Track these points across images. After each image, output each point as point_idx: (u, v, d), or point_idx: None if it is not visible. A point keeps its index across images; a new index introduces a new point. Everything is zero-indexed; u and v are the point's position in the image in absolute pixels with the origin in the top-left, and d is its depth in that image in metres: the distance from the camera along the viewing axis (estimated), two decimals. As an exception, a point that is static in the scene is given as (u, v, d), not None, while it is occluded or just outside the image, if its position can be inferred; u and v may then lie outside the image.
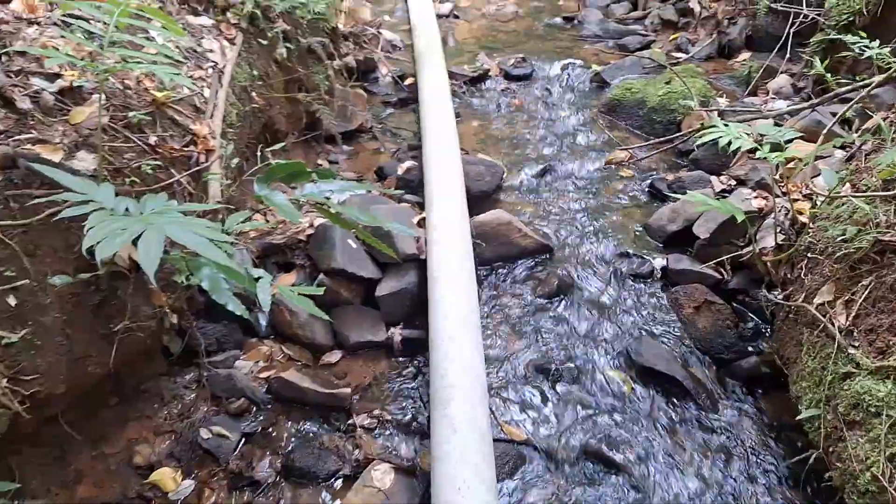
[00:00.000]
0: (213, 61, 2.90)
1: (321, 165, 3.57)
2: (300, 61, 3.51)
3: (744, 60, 4.46)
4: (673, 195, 3.37)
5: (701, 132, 2.58)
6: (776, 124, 3.47)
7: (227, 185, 2.45)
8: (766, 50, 4.44)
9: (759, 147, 2.50)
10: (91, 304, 2.06)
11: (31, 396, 1.97)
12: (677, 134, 3.64)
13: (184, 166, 2.45)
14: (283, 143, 2.71)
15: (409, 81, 4.41)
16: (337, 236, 2.80)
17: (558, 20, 5.31)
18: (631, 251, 3.12)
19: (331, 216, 2.12)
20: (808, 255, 2.49)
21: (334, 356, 2.62)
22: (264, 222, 2.35)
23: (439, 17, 5.34)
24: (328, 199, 2.23)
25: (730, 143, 2.54)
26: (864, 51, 2.55)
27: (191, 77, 2.76)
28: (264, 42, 3.23)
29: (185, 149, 2.48)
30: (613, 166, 3.72)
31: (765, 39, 4.46)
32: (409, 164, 3.51)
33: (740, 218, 2.47)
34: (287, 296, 1.86)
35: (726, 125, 2.81)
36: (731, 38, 4.56)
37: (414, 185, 3.37)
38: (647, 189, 3.52)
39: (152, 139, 2.38)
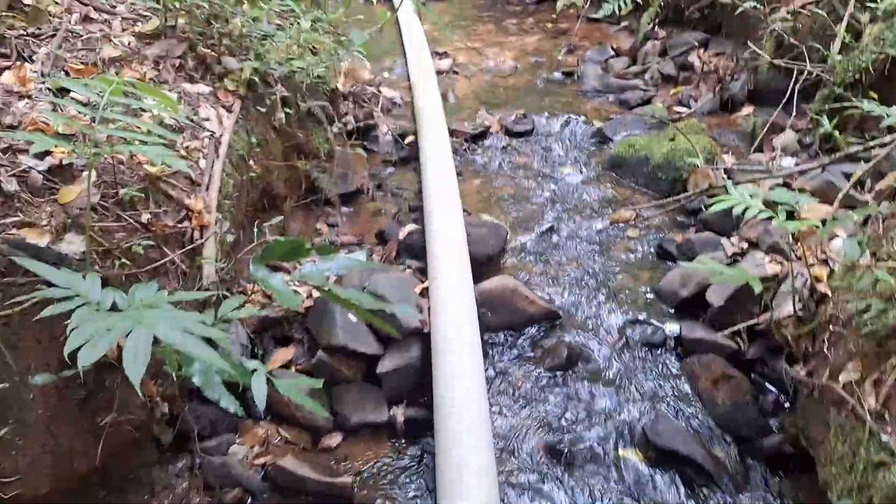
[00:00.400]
0: (209, 130, 2.83)
1: (321, 230, 3.48)
2: (300, 125, 3.45)
3: (747, 115, 4.42)
4: (682, 257, 3.28)
5: (713, 199, 2.50)
6: (785, 184, 3.41)
7: (222, 263, 2.35)
8: (769, 104, 4.39)
9: (774, 215, 2.42)
10: (77, 398, 1.95)
11: (13, 499, 1.84)
12: (684, 194, 3.56)
13: (178, 244, 2.36)
14: (280, 217, 2.62)
15: (409, 139, 4.35)
16: (336, 310, 2.69)
17: (558, 75, 5.29)
18: (641, 318, 3.01)
19: (331, 296, 2.01)
20: (831, 327, 2.38)
21: (334, 439, 2.48)
22: (258, 308, 2.25)
23: (439, 73, 5.32)
24: (327, 277, 2.13)
25: (745, 211, 2.46)
26: (886, 117, 2.48)
27: (186, 147, 2.69)
28: (263, 108, 3.17)
29: (180, 225, 2.39)
30: (619, 225, 3.63)
31: (768, 94, 4.42)
32: (410, 227, 3.42)
33: (758, 289, 2.37)
34: (285, 392, 1.75)
35: (736, 185, 2.73)
36: (733, 92, 4.53)
37: (416, 250, 3.28)
38: (655, 250, 3.43)
39: (145, 217, 2.29)
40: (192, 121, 2.82)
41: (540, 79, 5.29)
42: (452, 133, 4.44)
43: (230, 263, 2.43)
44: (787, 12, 4.26)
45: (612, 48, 5.53)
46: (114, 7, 3.42)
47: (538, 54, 5.71)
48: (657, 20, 5.34)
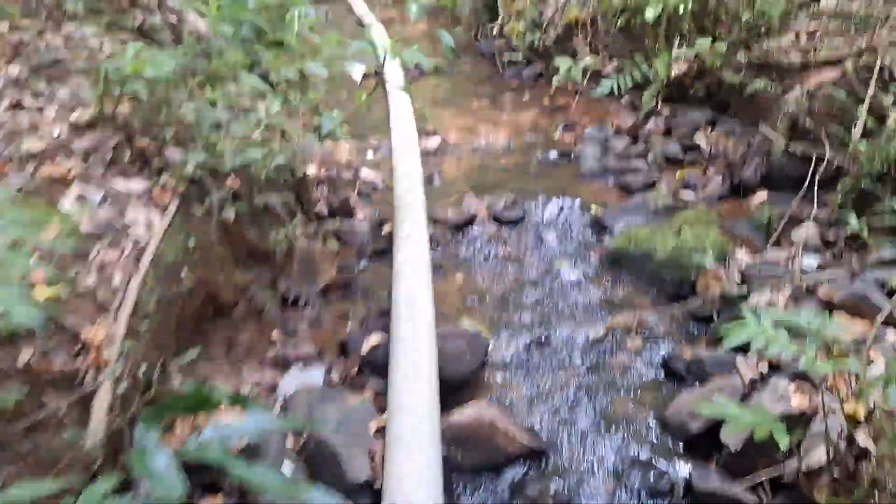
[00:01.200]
0: (134, 237, 2.45)
1: (275, 340, 3.05)
2: (254, 222, 3.07)
3: (761, 203, 4.01)
4: (692, 378, 2.82)
5: (728, 328, 2.06)
6: (807, 289, 2.98)
7: (117, 417, 1.91)
8: (785, 189, 3.99)
9: (802, 352, 1.97)
10: None
11: None
12: (693, 302, 3.12)
13: (68, 388, 1.93)
14: (195, 352, 2.20)
15: (387, 228, 3.96)
16: (271, 452, 2.24)
17: (553, 155, 4.92)
18: (644, 456, 2.53)
19: (235, 476, 1.56)
20: (876, 496, 1.90)
21: None
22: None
23: (427, 153, 4.99)
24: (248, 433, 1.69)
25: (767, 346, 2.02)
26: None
27: (100, 262, 2.29)
28: (208, 205, 2.79)
29: (72, 361, 1.97)
30: (619, 334, 3.18)
31: (782, 178, 4.03)
32: (376, 338, 2.99)
33: (784, 444, 1.91)
34: None
35: (751, 293, 2.28)
36: (745, 176, 4.13)
37: (380, 367, 2.83)
38: (660, 367, 2.97)
39: (25, 355, 1.88)
40: (114, 226, 2.45)
41: (534, 159, 4.92)
42: (435, 221, 4.06)
43: (133, 412, 1.99)
44: (802, 93, 3.90)
45: (613, 126, 5.17)
46: (53, 93, 3.10)
47: (534, 132, 5.37)
48: (660, 96, 5.00)
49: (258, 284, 3.00)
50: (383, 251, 3.82)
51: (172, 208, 2.63)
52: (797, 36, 4.31)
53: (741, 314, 2.34)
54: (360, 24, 8.66)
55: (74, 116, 2.88)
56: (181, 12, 4.41)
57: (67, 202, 2.43)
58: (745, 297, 2.99)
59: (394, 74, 5.73)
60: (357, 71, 4.16)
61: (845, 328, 2.37)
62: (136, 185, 2.66)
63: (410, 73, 6.48)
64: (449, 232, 4.04)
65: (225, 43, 4.12)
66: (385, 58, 4.51)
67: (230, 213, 2.90)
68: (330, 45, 4.88)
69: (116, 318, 2.10)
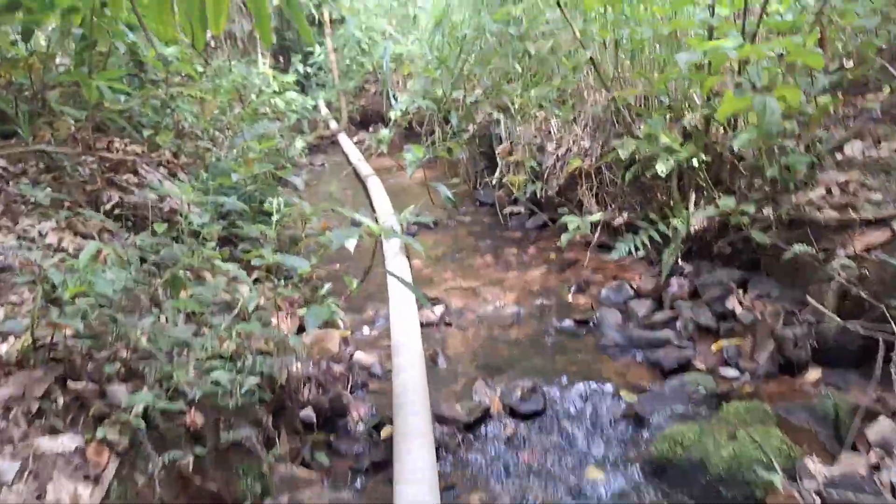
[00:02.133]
0: (53, 529, 1.89)
1: None
2: (219, 464, 2.51)
3: (816, 381, 3.47)
4: None
5: None
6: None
7: None
8: (841, 365, 3.49)
9: None
10: None
11: None
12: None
13: None
14: None
15: (386, 432, 3.40)
16: None
17: (569, 323, 4.41)
18: None
19: None
20: None
21: None
22: None
23: (429, 324, 4.51)
24: None
25: None
26: None
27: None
28: (157, 458, 2.24)
29: None
30: (678, 580, 2.54)
31: (837, 352, 3.51)
32: None
33: None
34: None
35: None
36: (794, 351, 3.61)
37: None
38: None
39: None
40: (29, 513, 1.89)
41: (548, 329, 4.42)
42: (442, 419, 3.49)
43: None
44: (848, 257, 3.46)
45: (631, 286, 4.72)
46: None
47: (544, 293, 4.91)
48: (680, 253, 4.58)
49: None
50: (381, 464, 3.24)
51: (109, 473, 2.08)
52: (828, 190, 3.94)
53: None
54: (357, 174, 8.50)
55: (5, 349, 2.40)
56: (163, 192, 4.09)
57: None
58: (835, 537, 2.38)
59: (391, 240, 5.37)
60: (350, 242, 3.75)
61: None
62: (67, 442, 2.12)
63: (409, 229, 6.16)
64: (459, 433, 3.45)
65: (205, 222, 3.77)
66: (383, 225, 4.15)
67: (188, 460, 2.35)
68: (318, 215, 4.55)
69: None
